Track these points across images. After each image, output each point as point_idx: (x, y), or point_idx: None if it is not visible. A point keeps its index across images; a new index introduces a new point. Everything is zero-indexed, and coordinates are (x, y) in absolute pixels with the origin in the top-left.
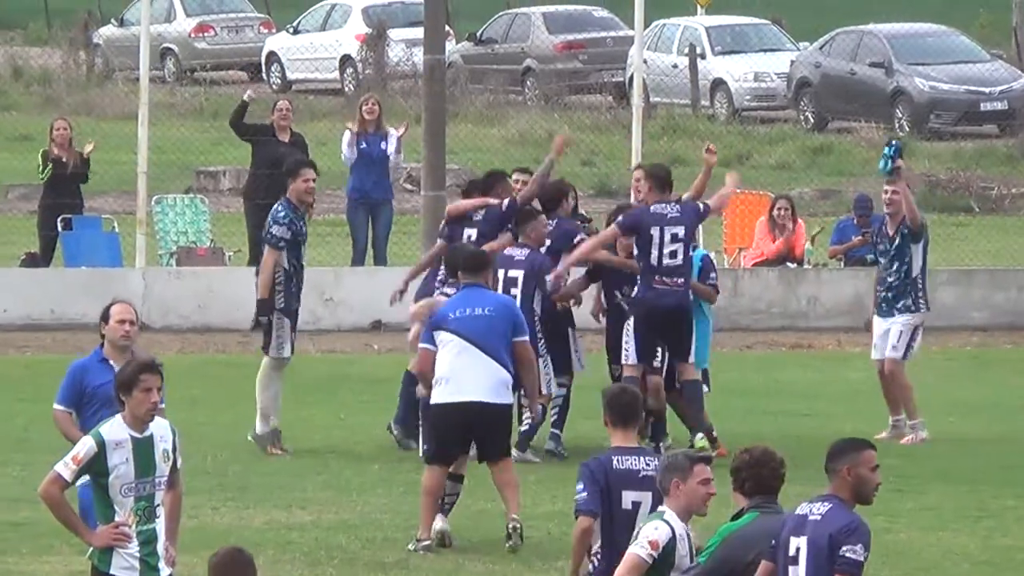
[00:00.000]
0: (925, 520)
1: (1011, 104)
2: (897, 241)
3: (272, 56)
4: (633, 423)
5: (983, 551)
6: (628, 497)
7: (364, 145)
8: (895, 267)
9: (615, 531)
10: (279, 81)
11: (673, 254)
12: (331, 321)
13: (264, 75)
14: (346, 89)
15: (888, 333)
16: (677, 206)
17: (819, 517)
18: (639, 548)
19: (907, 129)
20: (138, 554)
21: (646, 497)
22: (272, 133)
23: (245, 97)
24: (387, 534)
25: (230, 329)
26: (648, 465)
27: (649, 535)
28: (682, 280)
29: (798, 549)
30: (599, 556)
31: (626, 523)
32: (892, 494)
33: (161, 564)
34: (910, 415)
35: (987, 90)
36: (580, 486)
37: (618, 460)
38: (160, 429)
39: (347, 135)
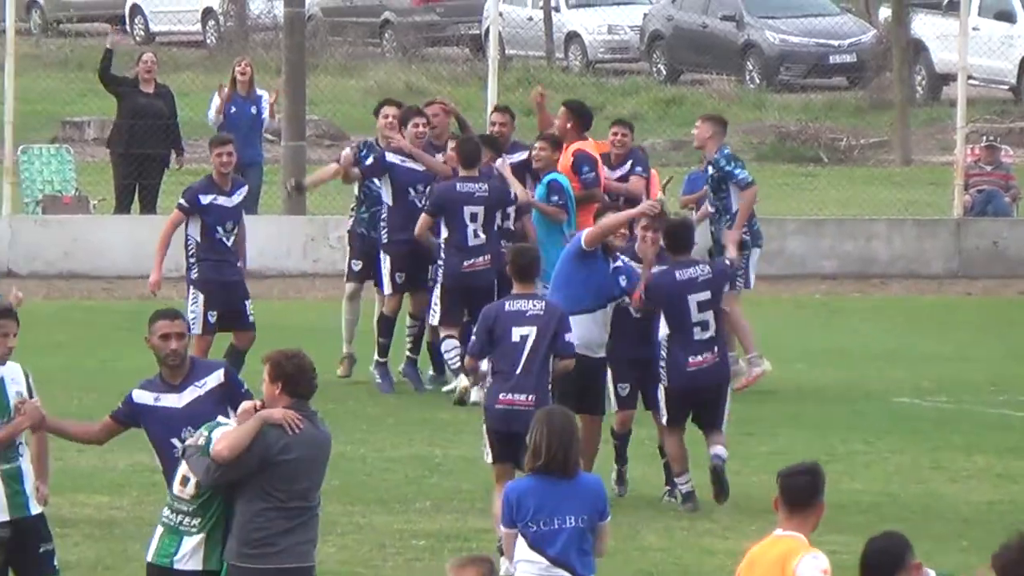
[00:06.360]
0: (775, 464)
1: (859, 57)
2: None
3: (136, 8)
4: (530, 279)
5: (831, 494)
6: (516, 332)
7: (234, 109)
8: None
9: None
10: (143, 33)
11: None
12: None
13: (128, 27)
14: (208, 41)
15: None
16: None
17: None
18: None
19: (757, 81)
20: (3, 492)
21: (532, 331)
22: (137, 85)
23: (108, 44)
24: None
25: (94, 276)
26: (535, 306)
27: None
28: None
29: None
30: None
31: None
32: (743, 438)
33: (31, 502)
34: (746, 349)
35: (836, 43)
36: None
37: (510, 303)
38: (10, 372)
39: (215, 99)
